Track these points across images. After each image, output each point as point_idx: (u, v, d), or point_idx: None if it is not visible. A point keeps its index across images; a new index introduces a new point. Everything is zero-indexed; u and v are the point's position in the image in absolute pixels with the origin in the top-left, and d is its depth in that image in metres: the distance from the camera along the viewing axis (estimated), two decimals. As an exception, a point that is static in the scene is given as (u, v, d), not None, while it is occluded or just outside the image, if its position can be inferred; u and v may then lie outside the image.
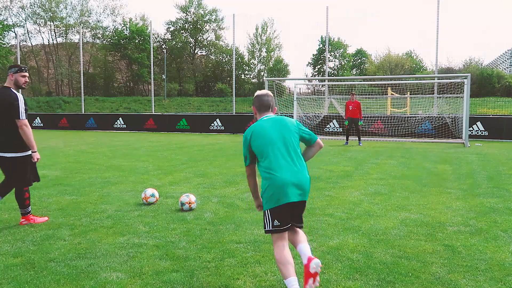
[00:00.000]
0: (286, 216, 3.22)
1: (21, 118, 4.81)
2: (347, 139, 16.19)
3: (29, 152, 4.96)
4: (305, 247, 3.32)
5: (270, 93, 3.52)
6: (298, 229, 3.42)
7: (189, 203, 5.71)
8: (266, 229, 3.27)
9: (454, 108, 20.00)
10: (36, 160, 4.98)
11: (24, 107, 4.85)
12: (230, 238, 4.50)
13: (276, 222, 3.22)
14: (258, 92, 3.55)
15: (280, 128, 3.31)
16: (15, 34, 45.56)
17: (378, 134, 19.88)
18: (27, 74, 5.00)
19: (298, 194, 3.20)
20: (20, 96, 4.89)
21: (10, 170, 4.92)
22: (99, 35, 52.60)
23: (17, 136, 4.84)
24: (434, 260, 3.90)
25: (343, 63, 53.64)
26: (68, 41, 51.91)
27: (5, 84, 4.97)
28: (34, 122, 27.88)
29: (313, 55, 51.37)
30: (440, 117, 19.49)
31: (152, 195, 6.04)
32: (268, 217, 3.23)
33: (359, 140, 15.91)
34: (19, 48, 37.25)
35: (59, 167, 9.60)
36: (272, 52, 52.14)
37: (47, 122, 27.52)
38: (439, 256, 4.01)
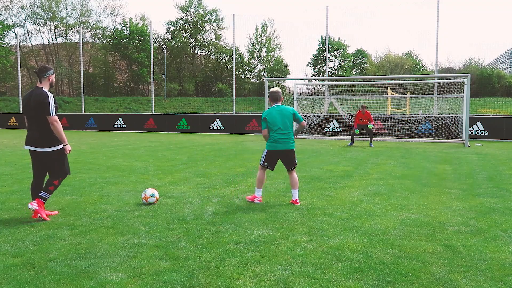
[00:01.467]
0: (273, 161, 6.18)
1: (51, 115, 5.14)
2: (352, 140, 16.10)
3: (61, 146, 5.30)
4: (294, 192, 6.16)
5: (279, 89, 6.15)
6: (292, 172, 6.17)
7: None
8: (260, 163, 6.21)
9: (454, 108, 20.02)
10: (67, 152, 5.35)
11: (54, 104, 5.19)
12: (230, 238, 4.50)
13: (265, 163, 6.15)
14: (272, 89, 6.18)
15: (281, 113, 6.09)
16: (15, 34, 45.61)
17: (378, 134, 19.89)
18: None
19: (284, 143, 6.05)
20: (50, 95, 5.21)
21: (47, 164, 5.32)
22: (99, 35, 52.63)
23: (49, 132, 5.20)
24: (434, 260, 3.90)
25: (343, 63, 53.66)
26: (68, 41, 51.95)
27: (38, 85, 5.30)
28: (34, 122, 27.87)
29: (313, 55, 51.40)
30: (440, 117, 19.50)
31: (152, 195, 6.04)
32: (264, 157, 6.15)
33: (371, 141, 15.88)
34: (19, 48, 37.26)
35: (59, 167, 9.60)
36: (272, 52, 52.17)
37: (47, 122, 27.51)
38: (439, 256, 4.01)
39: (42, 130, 5.20)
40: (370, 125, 15.68)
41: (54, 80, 5.46)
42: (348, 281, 3.44)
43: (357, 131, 15.81)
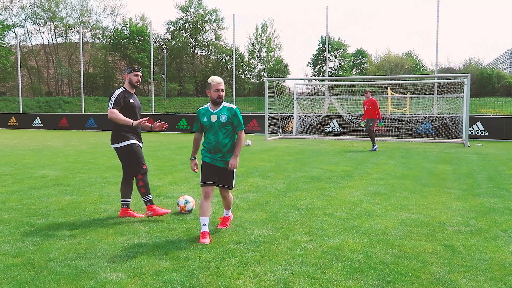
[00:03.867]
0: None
1: (109, 108, 5.21)
2: (373, 142, 14.03)
3: (126, 143, 5.28)
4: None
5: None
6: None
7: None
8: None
9: (454, 108, 20.02)
10: (138, 123, 5.21)
11: (114, 99, 5.20)
12: (230, 238, 4.50)
13: None
14: (218, 78, 4.61)
15: None
16: (15, 34, 45.59)
17: (378, 134, 19.89)
18: (139, 73, 5.42)
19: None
20: (118, 91, 5.31)
21: (120, 160, 5.46)
22: (99, 35, 52.63)
23: (114, 129, 5.30)
24: (434, 260, 3.90)
25: (343, 63, 53.61)
26: (68, 41, 51.95)
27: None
28: (34, 122, 27.90)
29: (313, 55, 51.33)
30: (440, 117, 19.50)
31: (187, 202, 5.57)
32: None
33: (373, 143, 13.99)
34: (19, 48, 37.27)
35: (59, 167, 9.60)
36: (272, 52, 52.11)
37: (47, 122, 27.53)
38: (439, 256, 4.01)
39: (112, 127, 5.36)
40: (381, 123, 13.95)
41: (135, 78, 5.38)
42: (348, 281, 3.44)
43: (363, 123, 14.24)
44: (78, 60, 44.54)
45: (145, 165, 5.37)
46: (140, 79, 5.43)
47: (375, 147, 13.92)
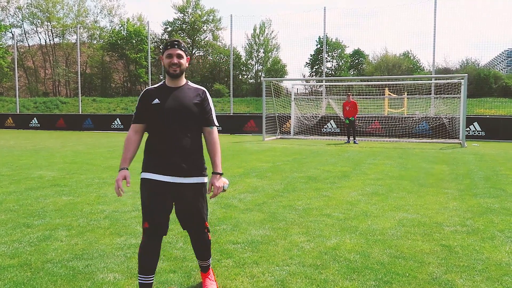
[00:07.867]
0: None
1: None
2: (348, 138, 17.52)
3: (141, 175, 3.43)
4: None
5: None
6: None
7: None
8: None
9: (451, 109, 20.07)
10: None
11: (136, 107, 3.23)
12: (227, 239, 4.50)
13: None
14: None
15: None
16: (12, 34, 45.47)
17: (375, 135, 19.92)
18: (174, 51, 3.12)
19: None
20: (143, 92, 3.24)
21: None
22: (96, 36, 52.58)
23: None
24: (431, 260, 3.90)
25: (340, 63, 53.70)
26: (65, 41, 51.86)
27: None
28: (31, 122, 27.83)
29: (311, 55, 51.39)
30: (437, 117, 19.55)
31: None
32: None
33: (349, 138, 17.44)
34: (16, 48, 37.15)
35: (56, 168, 9.58)
36: (270, 53, 52.14)
37: (44, 123, 27.46)
38: (436, 256, 4.02)
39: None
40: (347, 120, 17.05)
41: (165, 61, 3.16)
42: (345, 281, 3.45)
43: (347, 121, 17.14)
44: (75, 61, 44.46)
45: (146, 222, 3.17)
46: (175, 61, 3.16)
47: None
